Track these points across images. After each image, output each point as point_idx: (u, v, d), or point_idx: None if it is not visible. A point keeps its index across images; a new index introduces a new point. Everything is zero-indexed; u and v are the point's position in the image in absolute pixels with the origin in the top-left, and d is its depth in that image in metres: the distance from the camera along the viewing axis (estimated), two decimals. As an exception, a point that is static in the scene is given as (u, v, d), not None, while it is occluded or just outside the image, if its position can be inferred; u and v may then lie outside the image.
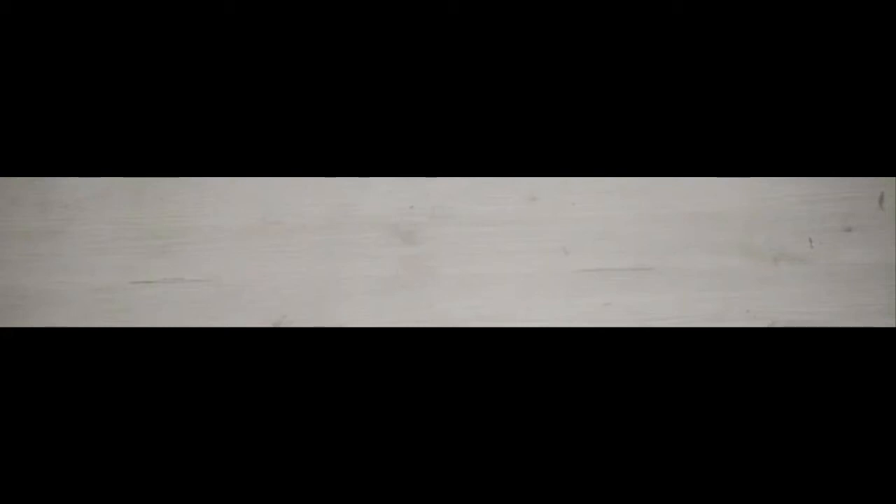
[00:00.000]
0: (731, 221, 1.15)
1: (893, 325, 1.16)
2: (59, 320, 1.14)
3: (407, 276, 1.17)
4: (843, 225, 1.15)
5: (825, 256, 1.15)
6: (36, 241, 1.13)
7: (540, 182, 1.15)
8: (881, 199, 1.15)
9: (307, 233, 1.16)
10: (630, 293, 1.16)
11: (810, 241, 1.15)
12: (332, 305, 1.16)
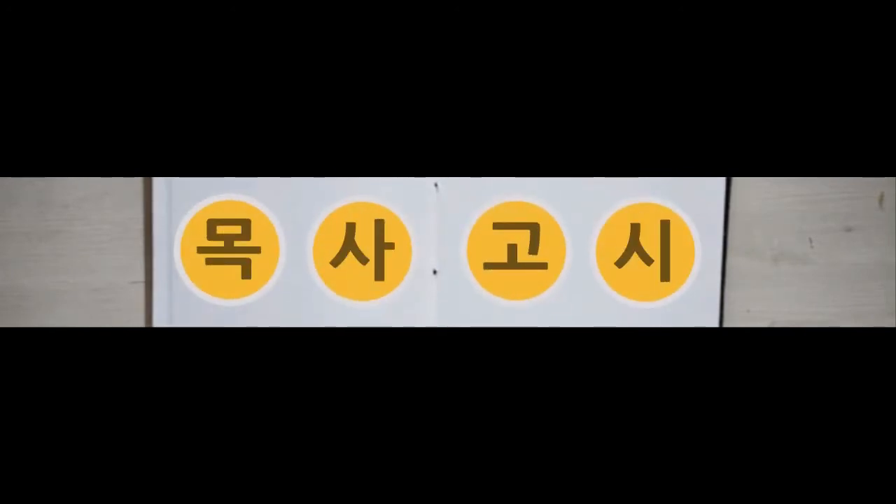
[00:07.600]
0: (731, 221, 1.16)
1: (893, 325, 1.16)
2: (59, 320, 1.15)
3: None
4: (843, 225, 1.15)
5: (825, 256, 1.15)
6: (36, 241, 1.14)
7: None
8: (881, 199, 1.15)
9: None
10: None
11: (810, 241, 1.15)
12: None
